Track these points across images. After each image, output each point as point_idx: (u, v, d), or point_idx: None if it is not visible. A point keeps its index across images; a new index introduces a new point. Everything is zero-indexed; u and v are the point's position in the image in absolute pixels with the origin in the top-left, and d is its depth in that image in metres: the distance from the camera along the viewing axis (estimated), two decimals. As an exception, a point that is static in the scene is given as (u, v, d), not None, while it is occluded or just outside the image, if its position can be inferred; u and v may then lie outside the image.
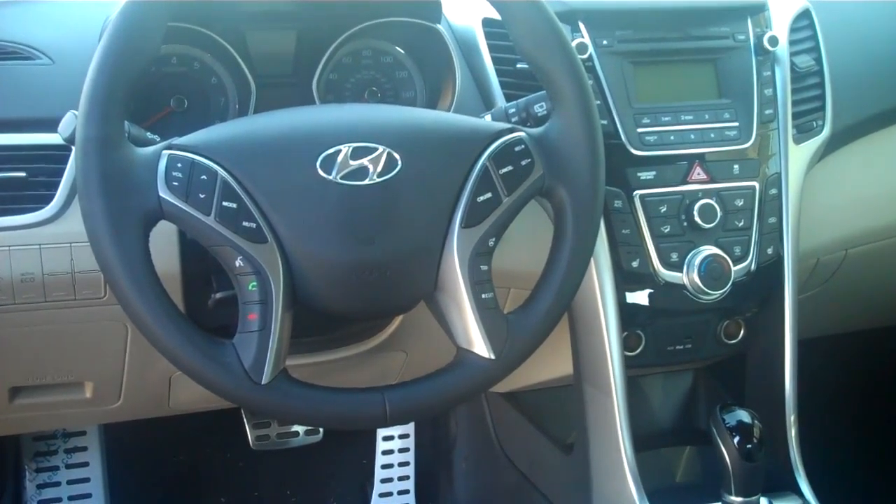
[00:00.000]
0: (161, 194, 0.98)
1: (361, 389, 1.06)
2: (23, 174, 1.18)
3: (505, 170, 1.07)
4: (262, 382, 1.00)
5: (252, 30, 1.33)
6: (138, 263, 0.97)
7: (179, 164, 0.99)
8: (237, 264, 0.99)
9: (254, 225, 0.99)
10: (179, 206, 0.98)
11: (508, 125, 1.11)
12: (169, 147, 1.00)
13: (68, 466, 2.09)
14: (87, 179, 0.97)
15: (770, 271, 1.44)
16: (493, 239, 1.06)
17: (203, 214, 0.99)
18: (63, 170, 1.19)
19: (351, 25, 1.34)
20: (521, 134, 1.09)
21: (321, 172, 1.01)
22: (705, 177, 1.39)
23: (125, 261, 0.96)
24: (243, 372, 0.99)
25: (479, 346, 1.06)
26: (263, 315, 0.99)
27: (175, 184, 0.98)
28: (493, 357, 1.06)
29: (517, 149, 1.08)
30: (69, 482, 2.09)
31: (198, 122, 1.33)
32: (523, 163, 1.08)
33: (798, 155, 1.47)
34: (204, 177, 0.99)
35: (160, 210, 0.99)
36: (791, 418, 1.46)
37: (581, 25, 1.38)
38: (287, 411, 1.03)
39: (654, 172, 1.37)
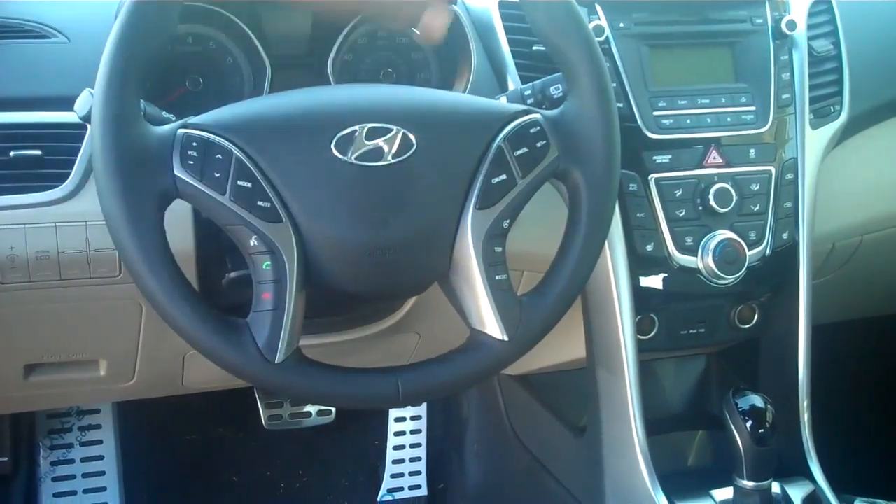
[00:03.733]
0: (176, 173, 0.98)
1: (375, 370, 1.07)
2: (38, 152, 1.18)
3: (520, 151, 1.06)
4: (276, 362, 1.00)
5: (268, 10, 1.33)
6: (153, 242, 0.97)
7: (195, 143, 0.99)
8: (251, 243, 0.99)
9: (268, 204, 0.99)
10: (194, 184, 0.98)
11: (524, 107, 1.10)
12: (184, 126, 1.00)
13: (82, 444, 2.11)
14: (103, 158, 0.97)
15: (785, 256, 1.43)
16: (508, 221, 1.06)
17: (218, 193, 0.98)
18: (79, 148, 1.20)
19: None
20: (537, 116, 1.08)
21: (336, 153, 1.01)
22: (721, 161, 1.38)
23: (140, 240, 0.96)
24: (257, 351, 1.00)
25: (493, 328, 1.06)
26: (277, 294, 0.99)
27: (190, 163, 0.98)
28: (506, 339, 1.06)
29: (532, 130, 1.07)
30: (83, 460, 2.10)
31: (213, 102, 1.32)
32: (538, 145, 1.07)
33: (815, 140, 1.47)
34: (219, 156, 0.99)
35: (175, 189, 0.99)
36: (804, 403, 1.46)
37: (598, 8, 1.38)
38: (300, 390, 1.04)
39: (669, 156, 1.37)
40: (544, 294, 1.09)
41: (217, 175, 0.98)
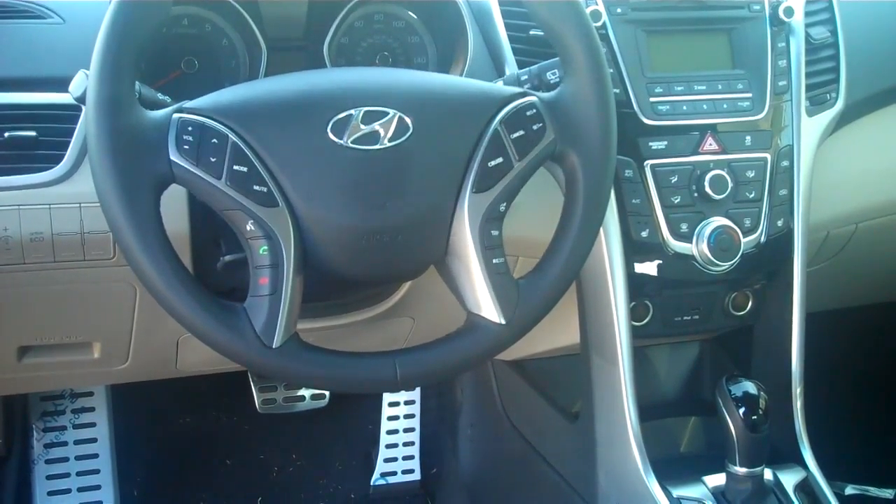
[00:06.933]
0: (172, 158, 0.98)
1: (372, 354, 1.07)
2: (33, 133, 1.18)
3: (516, 134, 1.06)
4: (274, 346, 1.00)
5: (264, -8, 1.33)
6: (149, 227, 0.97)
7: (190, 128, 0.98)
8: (248, 228, 0.99)
9: (264, 189, 0.99)
10: (190, 169, 0.98)
11: (520, 90, 1.10)
12: (180, 110, 1.00)
13: (76, 426, 2.11)
14: (98, 141, 0.96)
15: (780, 243, 1.43)
16: (504, 204, 1.06)
17: (214, 178, 0.98)
18: (73, 129, 1.19)
19: (363, -11, 1.34)
20: (533, 98, 1.08)
21: (332, 137, 1.01)
22: (717, 147, 1.38)
23: (137, 226, 0.96)
24: (254, 336, 1.00)
25: (490, 311, 1.06)
26: (274, 279, 1.00)
27: (186, 147, 0.98)
28: (503, 322, 1.06)
29: (529, 113, 1.07)
30: (76, 442, 2.10)
31: (208, 85, 1.32)
32: (535, 127, 1.07)
33: (811, 127, 1.46)
34: (215, 140, 0.98)
35: (171, 174, 0.98)
36: (797, 390, 1.46)
37: (596, -7, 1.38)
38: (298, 375, 1.04)
39: (665, 142, 1.37)
40: (541, 277, 1.09)
41: (213, 159, 0.98)
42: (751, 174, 1.40)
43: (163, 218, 0.98)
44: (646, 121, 1.36)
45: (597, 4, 1.36)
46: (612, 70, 1.34)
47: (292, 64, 1.27)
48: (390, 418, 2.33)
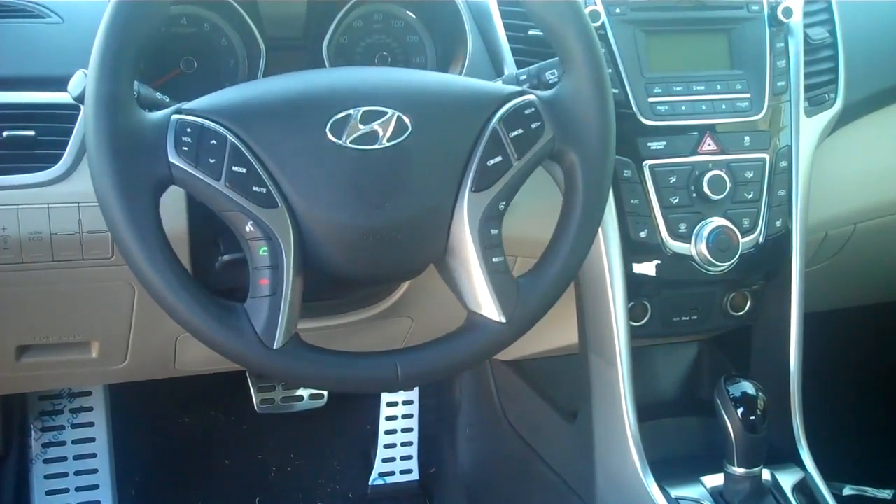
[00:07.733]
0: (171, 160, 0.98)
1: (373, 353, 1.07)
2: (31, 133, 1.18)
3: (515, 133, 1.06)
4: (275, 347, 1.00)
5: (263, -9, 1.33)
6: (149, 229, 0.97)
7: (189, 129, 0.98)
8: (248, 229, 0.99)
9: (264, 190, 0.99)
10: (189, 171, 0.98)
11: (518, 88, 1.10)
12: (178, 112, 1.00)
13: (74, 426, 2.10)
14: (97, 139, 0.96)
15: (778, 244, 1.44)
16: (504, 202, 1.06)
17: (213, 179, 0.98)
18: (72, 129, 1.19)
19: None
20: (531, 97, 1.08)
21: (331, 137, 1.01)
22: (716, 148, 1.39)
23: (135, 226, 0.96)
24: (255, 337, 1.00)
25: (490, 310, 1.06)
26: (274, 280, 0.99)
27: (185, 149, 0.98)
28: (503, 320, 1.06)
29: (527, 112, 1.07)
30: (74, 442, 2.10)
31: (207, 84, 1.32)
32: (533, 126, 1.07)
33: (809, 128, 1.47)
34: (213, 141, 0.98)
35: (170, 176, 0.98)
36: (795, 391, 1.46)
37: (595, -7, 1.38)
38: (299, 375, 1.04)
39: (664, 142, 1.37)
40: (541, 275, 1.09)
41: (212, 161, 0.98)
42: (749, 174, 1.40)
43: (162, 218, 0.98)
44: (644, 121, 1.36)
45: (596, 4, 1.36)
46: (610, 70, 1.34)
47: (291, 63, 1.27)
48: (388, 418, 2.33)
